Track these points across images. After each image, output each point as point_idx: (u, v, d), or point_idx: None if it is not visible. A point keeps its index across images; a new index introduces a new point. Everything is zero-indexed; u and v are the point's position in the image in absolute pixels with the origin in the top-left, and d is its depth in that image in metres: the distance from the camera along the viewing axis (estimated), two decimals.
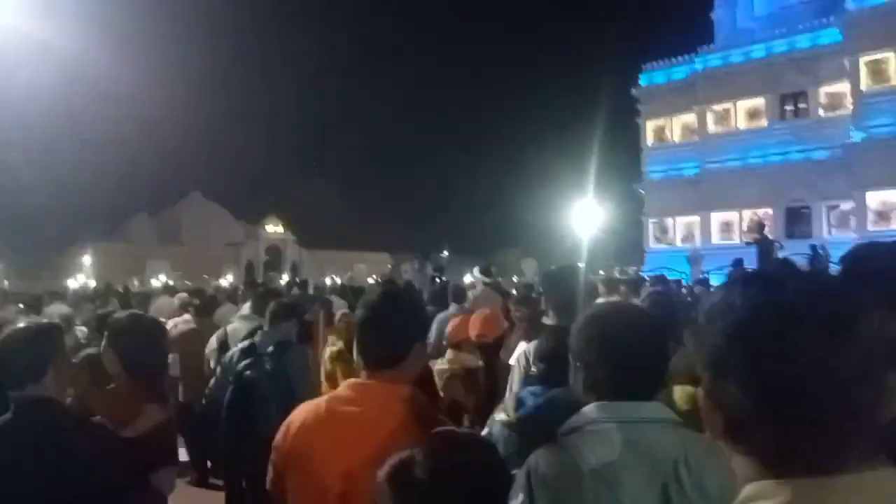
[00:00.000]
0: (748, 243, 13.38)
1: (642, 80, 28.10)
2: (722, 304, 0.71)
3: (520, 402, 1.99)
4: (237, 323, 4.82)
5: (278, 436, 1.63)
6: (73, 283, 29.25)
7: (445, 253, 37.01)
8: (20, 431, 1.81)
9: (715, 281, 10.05)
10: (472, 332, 3.42)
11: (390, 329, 1.59)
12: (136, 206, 60.64)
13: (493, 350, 3.38)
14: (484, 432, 2.05)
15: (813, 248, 12.08)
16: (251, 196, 64.61)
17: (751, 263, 9.37)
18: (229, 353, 3.83)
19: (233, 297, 8.54)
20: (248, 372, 3.41)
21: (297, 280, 12.35)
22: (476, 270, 8.14)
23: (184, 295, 7.52)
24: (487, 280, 7.75)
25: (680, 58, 27.22)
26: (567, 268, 3.49)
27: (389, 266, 49.60)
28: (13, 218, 43.18)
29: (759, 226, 13.91)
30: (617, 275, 10.53)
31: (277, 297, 4.70)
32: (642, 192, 27.36)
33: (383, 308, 1.62)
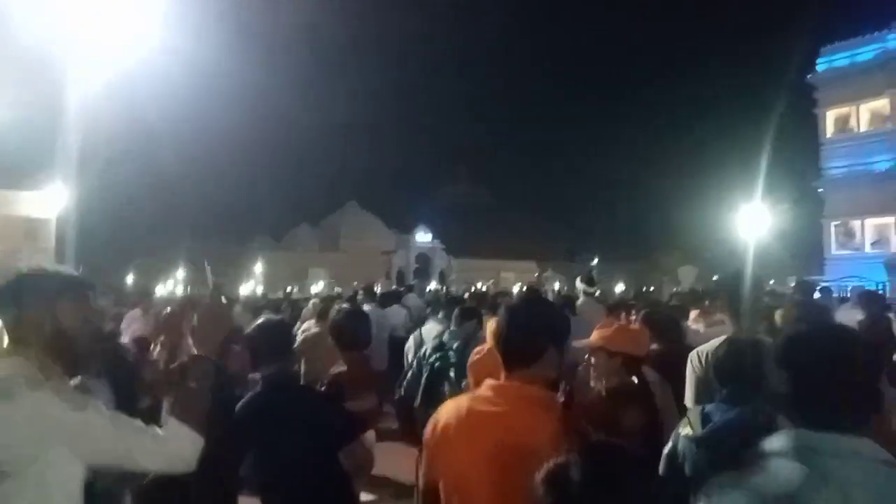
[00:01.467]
0: None
1: (820, 65, 24.88)
2: None
3: (706, 418, 2.00)
4: (430, 324, 5.88)
5: (427, 430, 1.78)
6: (244, 290, 31.92)
7: (596, 260, 35.51)
8: (266, 399, 2.48)
9: None
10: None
11: (525, 330, 1.70)
12: (299, 216, 65.47)
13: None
14: (667, 447, 2.12)
15: None
16: (403, 205, 66.96)
17: None
18: (423, 348, 4.83)
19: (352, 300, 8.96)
20: (437, 363, 4.36)
21: (445, 287, 12.35)
22: (578, 280, 7.62)
23: (316, 301, 7.68)
24: (590, 290, 7.46)
25: (866, 36, 23.72)
26: (741, 274, 3.43)
27: (536, 274, 48.76)
28: (192, 230, 48.43)
29: None
30: (791, 286, 8.98)
31: (461, 303, 5.94)
32: (821, 190, 24.13)
33: (520, 310, 1.79)
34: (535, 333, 1.69)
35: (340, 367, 3.01)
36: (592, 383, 2.63)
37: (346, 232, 62.37)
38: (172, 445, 1.61)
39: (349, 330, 3.24)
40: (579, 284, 7.48)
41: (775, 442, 1.30)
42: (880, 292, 7.06)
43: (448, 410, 1.74)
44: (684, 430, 2.03)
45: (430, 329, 5.61)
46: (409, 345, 5.91)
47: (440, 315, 5.97)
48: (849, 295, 7.14)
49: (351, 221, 63.40)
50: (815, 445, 1.23)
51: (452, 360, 4.27)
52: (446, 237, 63.13)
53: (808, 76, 24.92)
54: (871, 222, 22.50)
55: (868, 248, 21.83)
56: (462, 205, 79.06)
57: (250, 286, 39.16)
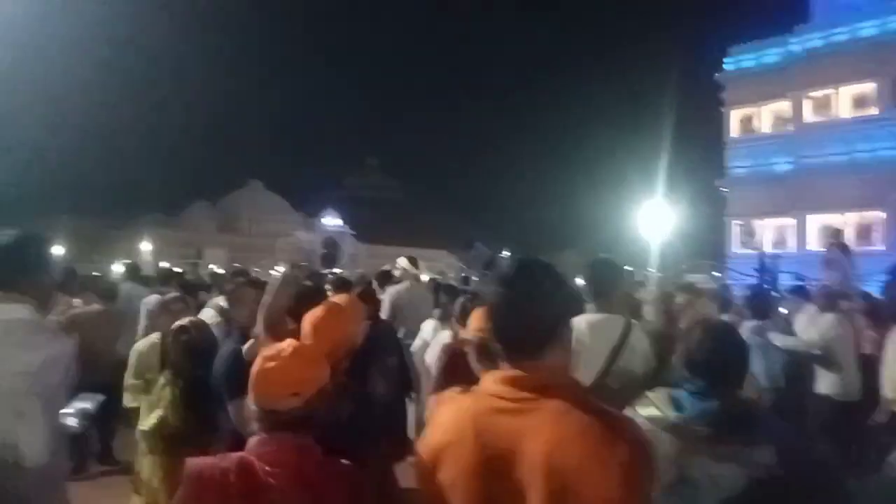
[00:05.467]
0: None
1: (727, 64, 25.02)
2: None
3: (676, 403, 1.96)
4: None
5: (422, 440, 1.52)
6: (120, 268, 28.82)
7: (507, 252, 34.88)
8: None
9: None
10: None
11: (534, 308, 1.39)
12: (196, 194, 61.39)
13: None
14: None
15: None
16: (310, 187, 64.39)
17: None
18: None
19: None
20: None
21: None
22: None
23: None
24: (413, 271, 7.14)
25: (772, 39, 24.03)
26: (609, 262, 3.38)
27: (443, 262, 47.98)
28: (72, 205, 44.17)
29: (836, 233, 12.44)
30: (704, 283, 8.35)
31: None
32: (725, 190, 24.33)
33: (524, 283, 1.42)
34: (545, 317, 1.40)
35: None
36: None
37: (248, 213, 59.18)
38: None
39: None
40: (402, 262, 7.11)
41: None
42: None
43: (448, 414, 1.45)
44: (647, 411, 1.95)
45: None
46: None
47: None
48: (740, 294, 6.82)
49: (253, 201, 60.21)
50: None
51: None
52: (356, 224, 61.40)
53: (716, 75, 25.03)
54: (772, 223, 22.85)
55: (769, 248, 22.08)
56: (373, 194, 77.40)
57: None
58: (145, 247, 45.23)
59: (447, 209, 76.35)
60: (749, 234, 23.23)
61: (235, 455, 1.61)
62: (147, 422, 3.47)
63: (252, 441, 1.64)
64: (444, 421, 1.45)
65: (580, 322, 2.81)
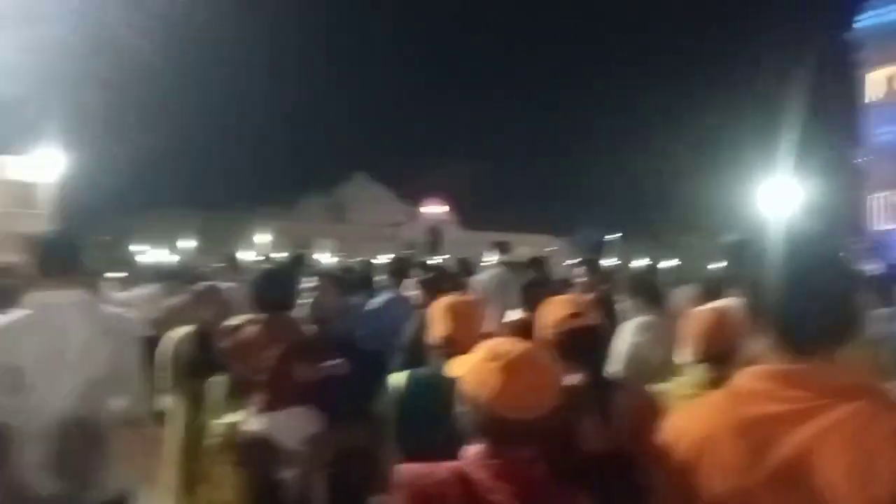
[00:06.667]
0: None
1: (861, 22, 22.44)
2: None
3: None
4: None
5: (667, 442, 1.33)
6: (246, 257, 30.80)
7: (618, 235, 33.65)
8: None
9: None
10: None
11: (841, 295, 1.22)
12: (309, 187, 64.35)
13: None
14: None
15: None
16: (413, 177, 65.54)
17: None
18: None
19: None
20: None
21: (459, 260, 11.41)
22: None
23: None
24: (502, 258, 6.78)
25: None
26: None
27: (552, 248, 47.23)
28: (198, 198, 47.52)
29: None
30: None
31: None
32: (863, 160, 21.90)
33: (820, 271, 1.23)
34: (846, 307, 1.21)
35: None
36: None
37: (355, 204, 61.42)
38: None
39: None
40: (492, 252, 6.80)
41: None
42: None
43: (692, 417, 1.28)
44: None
45: None
46: None
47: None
48: None
49: (359, 193, 62.37)
50: None
51: None
52: (459, 211, 61.82)
53: (846, 35, 22.52)
54: None
55: None
56: (476, 181, 77.64)
57: (251, 256, 38.20)
58: (264, 238, 48.08)
59: (551, 193, 75.09)
60: None
61: (452, 465, 1.44)
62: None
63: (471, 450, 1.45)
64: (686, 426, 1.27)
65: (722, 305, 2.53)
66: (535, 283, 4.98)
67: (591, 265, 5.30)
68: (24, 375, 2.35)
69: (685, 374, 2.42)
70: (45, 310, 2.43)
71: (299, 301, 3.56)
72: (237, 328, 2.55)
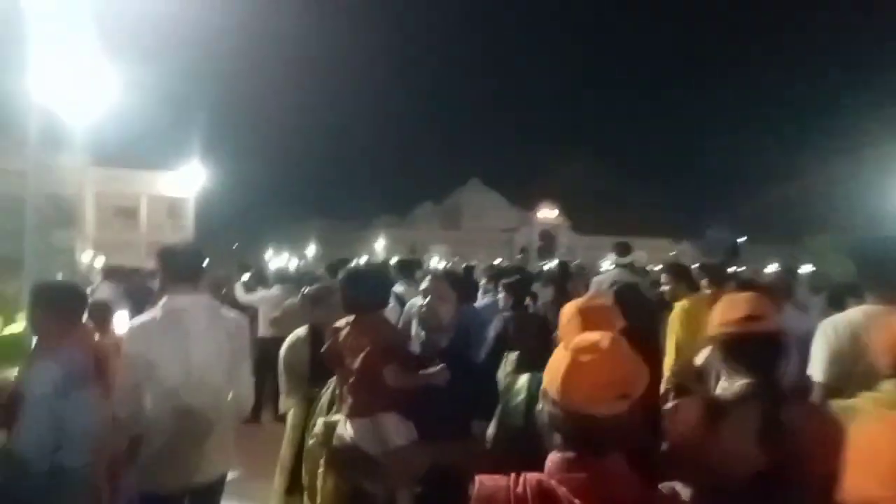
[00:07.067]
0: None
1: None
2: None
3: None
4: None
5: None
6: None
7: (744, 238, 31.44)
8: None
9: None
10: None
11: None
12: (424, 194, 65.91)
13: None
14: None
15: None
16: (527, 181, 65.21)
17: None
18: None
19: None
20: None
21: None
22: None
23: None
24: (623, 260, 6.67)
25: None
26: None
27: (673, 253, 45.08)
28: (319, 209, 50.11)
29: None
30: None
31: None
32: None
33: None
34: None
35: None
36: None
37: (468, 210, 62.00)
38: None
39: None
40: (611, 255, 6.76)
41: None
42: None
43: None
44: None
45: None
46: None
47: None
48: None
49: (473, 199, 62.95)
50: None
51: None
52: (573, 216, 60.64)
53: None
54: None
55: None
56: (590, 184, 75.79)
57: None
58: (379, 245, 49.74)
59: (669, 196, 71.63)
60: None
61: (533, 477, 1.32)
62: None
63: (554, 460, 1.31)
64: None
65: (855, 315, 2.46)
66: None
67: (716, 271, 4.80)
68: (156, 369, 2.62)
69: (875, 388, 2.05)
70: (175, 312, 2.72)
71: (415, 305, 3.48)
72: (337, 330, 2.40)
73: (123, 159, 34.47)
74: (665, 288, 4.95)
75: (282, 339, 3.55)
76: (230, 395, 2.84)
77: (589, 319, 2.12)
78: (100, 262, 17.79)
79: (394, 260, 8.17)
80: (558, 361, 1.36)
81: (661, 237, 57.22)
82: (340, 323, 2.41)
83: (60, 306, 2.60)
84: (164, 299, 2.79)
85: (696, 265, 5.14)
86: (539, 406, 1.37)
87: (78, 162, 30.03)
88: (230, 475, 3.01)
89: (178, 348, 2.66)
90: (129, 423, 2.65)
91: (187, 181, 26.14)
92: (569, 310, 2.23)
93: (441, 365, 2.27)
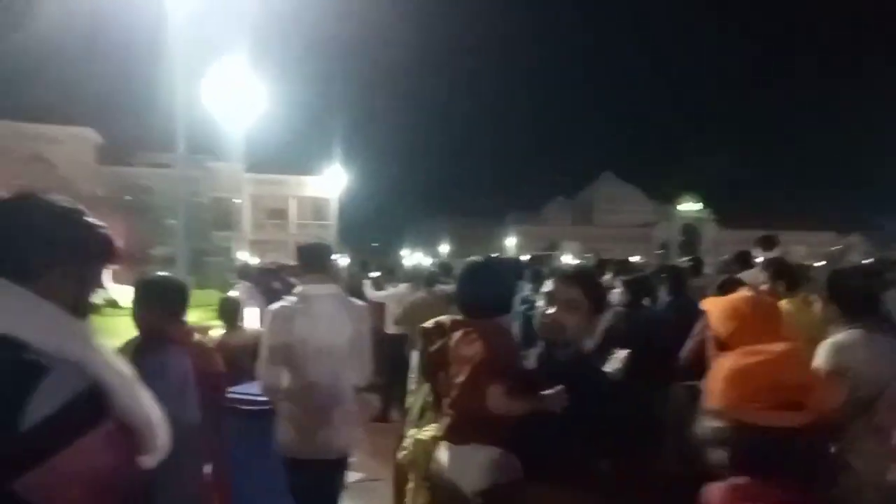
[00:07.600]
0: None
1: None
2: None
3: None
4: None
5: None
6: None
7: None
8: None
9: None
10: None
11: None
12: (556, 190, 64.78)
13: None
14: None
15: None
16: (665, 173, 61.92)
17: None
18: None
19: None
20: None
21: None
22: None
23: None
24: (769, 255, 5.98)
25: None
26: None
27: (837, 248, 40.62)
28: (452, 207, 51.01)
29: None
30: None
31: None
32: None
33: None
34: None
35: None
36: None
37: (602, 204, 59.89)
38: None
39: None
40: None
41: None
42: None
43: None
44: None
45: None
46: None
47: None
48: None
49: (606, 193, 60.67)
50: None
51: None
52: (719, 209, 56.65)
53: None
54: None
55: None
56: (737, 175, 70.41)
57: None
58: (511, 242, 49.64)
59: (832, 185, 64.72)
60: None
61: None
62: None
63: (718, 491, 1.17)
64: None
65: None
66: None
67: (790, 273, 4.18)
68: (293, 350, 2.96)
69: None
70: (308, 299, 3.07)
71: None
72: (444, 329, 2.03)
73: (274, 165, 37.49)
74: (763, 288, 4.27)
75: (407, 337, 3.64)
76: (353, 375, 3.14)
77: (756, 320, 1.92)
78: (254, 260, 19.37)
79: (526, 257, 7.93)
80: (722, 365, 1.23)
81: (825, 230, 51.91)
82: (446, 321, 2.07)
83: (163, 301, 2.58)
84: (299, 287, 3.16)
85: (869, 260, 4.51)
86: (698, 422, 1.21)
87: (236, 169, 33.16)
88: (357, 476, 3.15)
89: (309, 329, 2.98)
90: (268, 395, 3.09)
91: (331, 184, 27.97)
92: (730, 306, 2.04)
93: (559, 387, 1.81)
